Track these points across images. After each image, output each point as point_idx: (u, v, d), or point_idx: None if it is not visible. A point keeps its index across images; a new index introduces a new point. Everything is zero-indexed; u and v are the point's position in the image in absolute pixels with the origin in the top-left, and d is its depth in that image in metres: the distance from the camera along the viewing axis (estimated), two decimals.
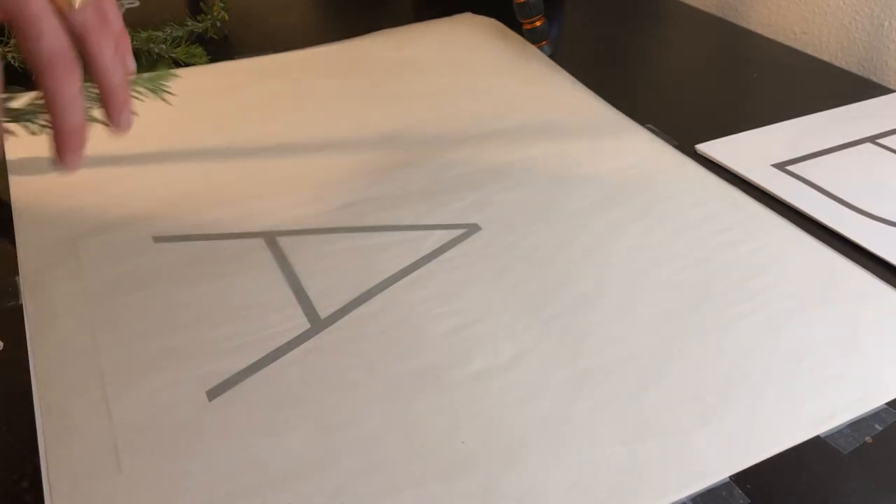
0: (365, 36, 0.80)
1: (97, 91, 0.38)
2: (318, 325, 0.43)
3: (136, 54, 0.74)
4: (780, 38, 0.87)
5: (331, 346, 0.42)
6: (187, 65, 0.73)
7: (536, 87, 0.70)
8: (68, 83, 0.34)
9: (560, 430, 0.37)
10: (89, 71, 0.37)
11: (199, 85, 0.70)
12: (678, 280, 0.47)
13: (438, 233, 0.50)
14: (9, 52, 0.70)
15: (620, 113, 0.66)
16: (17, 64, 0.70)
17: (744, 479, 0.36)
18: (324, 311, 0.44)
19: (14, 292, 0.45)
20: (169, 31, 0.76)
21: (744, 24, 0.91)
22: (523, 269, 0.48)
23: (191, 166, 0.57)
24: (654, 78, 0.75)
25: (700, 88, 0.72)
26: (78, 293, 0.45)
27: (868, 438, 0.38)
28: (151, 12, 0.84)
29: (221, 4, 0.79)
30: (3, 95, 0.40)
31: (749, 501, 0.35)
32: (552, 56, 0.77)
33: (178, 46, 0.73)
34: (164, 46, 0.73)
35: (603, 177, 0.57)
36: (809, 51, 0.84)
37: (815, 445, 0.37)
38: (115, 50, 0.37)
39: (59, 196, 0.53)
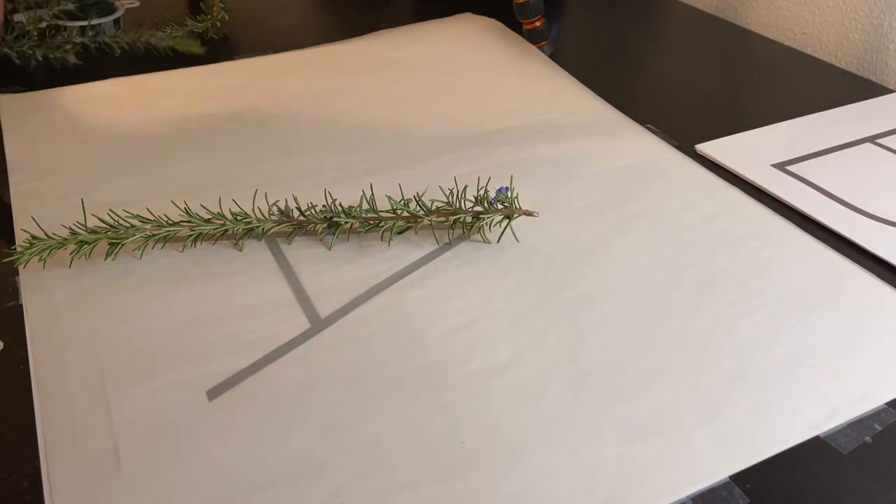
0: (365, 36, 0.80)
1: None
2: (318, 325, 0.43)
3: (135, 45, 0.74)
4: (780, 39, 0.87)
5: (331, 346, 0.42)
6: (183, 54, 0.73)
7: (536, 87, 0.70)
8: None
9: (560, 430, 0.37)
10: None
11: (200, 85, 0.70)
12: (678, 280, 0.47)
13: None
14: (5, 48, 0.70)
15: (620, 113, 0.66)
16: (17, 60, 0.70)
17: (744, 478, 0.36)
18: (324, 311, 0.44)
19: (14, 292, 0.45)
20: (169, 30, 0.76)
21: (744, 24, 0.91)
22: (523, 269, 0.48)
23: (190, 166, 0.57)
24: (654, 78, 0.75)
25: (700, 88, 0.72)
26: (78, 293, 0.45)
27: (868, 438, 0.38)
28: (152, 12, 0.84)
29: (221, 5, 0.79)
30: None
31: (749, 501, 0.35)
32: (552, 56, 0.77)
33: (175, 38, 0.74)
34: (160, 34, 0.74)
35: (603, 177, 0.57)
36: (809, 51, 0.84)
37: (815, 445, 0.37)
38: None
39: (59, 196, 0.53)
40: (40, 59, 0.71)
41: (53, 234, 0.46)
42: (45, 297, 0.44)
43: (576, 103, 0.68)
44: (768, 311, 0.45)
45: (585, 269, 0.48)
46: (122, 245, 0.46)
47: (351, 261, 0.48)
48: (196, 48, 0.74)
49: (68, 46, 0.71)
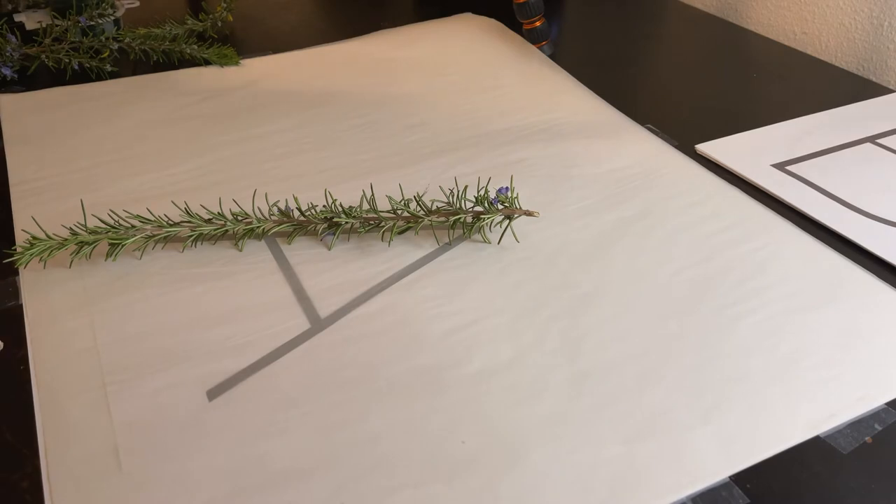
0: (365, 36, 0.80)
1: None
2: (318, 325, 0.43)
3: (168, 54, 0.74)
4: (780, 39, 0.87)
5: (331, 346, 0.42)
6: (208, 64, 0.73)
7: (536, 87, 0.70)
8: None
9: (560, 430, 0.37)
10: None
11: (200, 85, 0.70)
12: (678, 280, 0.47)
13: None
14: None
15: (620, 113, 0.66)
16: (53, 67, 0.70)
17: (744, 479, 0.36)
18: (324, 311, 0.44)
19: (14, 292, 0.45)
20: (168, 28, 0.76)
21: (744, 24, 0.91)
22: (523, 269, 0.48)
23: (190, 166, 0.57)
24: (654, 78, 0.75)
25: (700, 88, 0.72)
26: (78, 293, 0.45)
27: (868, 438, 0.38)
28: (152, 12, 0.84)
29: (224, 5, 0.79)
30: None
31: (749, 501, 0.35)
32: (552, 56, 0.77)
33: (211, 47, 0.73)
34: (195, 47, 0.73)
35: (603, 177, 0.57)
36: (809, 51, 0.84)
37: (814, 445, 0.37)
38: None
39: (59, 196, 0.53)
40: (76, 67, 0.70)
41: (53, 234, 0.46)
42: (45, 297, 0.44)
43: (576, 103, 0.68)
44: (768, 311, 0.45)
45: (585, 269, 0.48)
46: (123, 245, 0.46)
47: (351, 261, 0.48)
48: (233, 60, 0.73)
49: (105, 54, 0.71)
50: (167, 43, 0.73)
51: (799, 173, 0.58)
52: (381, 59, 0.75)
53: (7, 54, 0.69)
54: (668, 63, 0.79)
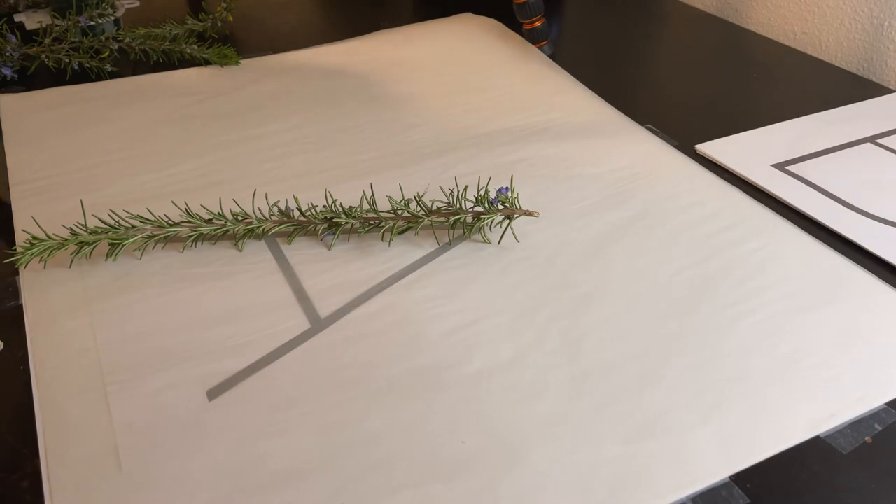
0: (365, 36, 0.80)
1: None
2: (318, 325, 0.43)
3: (168, 54, 0.74)
4: (780, 38, 0.87)
5: (331, 346, 0.42)
6: (208, 64, 0.73)
7: (536, 87, 0.70)
8: None
9: (560, 430, 0.37)
10: None
11: (200, 85, 0.70)
12: (678, 280, 0.47)
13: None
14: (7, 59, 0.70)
15: (620, 113, 0.66)
16: (53, 67, 0.70)
17: (744, 478, 0.36)
18: (324, 311, 0.44)
19: (14, 292, 0.45)
20: (168, 28, 0.76)
21: (744, 24, 0.91)
22: (523, 269, 0.48)
23: (190, 166, 0.57)
24: (654, 78, 0.75)
25: (700, 88, 0.72)
26: (78, 293, 0.45)
27: (868, 438, 0.38)
28: (152, 12, 0.84)
29: (224, 5, 0.79)
30: None
31: (749, 501, 0.35)
32: (552, 56, 0.77)
33: (211, 47, 0.73)
34: (195, 47, 0.73)
35: (603, 177, 0.57)
36: (809, 51, 0.84)
37: (814, 445, 0.37)
38: None
39: (59, 196, 0.53)
40: (76, 67, 0.70)
41: (54, 234, 0.46)
42: (45, 297, 0.44)
43: (576, 103, 0.68)
44: (768, 311, 0.45)
45: (585, 269, 0.48)
46: (123, 245, 0.46)
47: (351, 261, 0.48)
48: (233, 60, 0.73)
49: (105, 54, 0.71)
50: (167, 43, 0.73)
51: (799, 173, 0.58)
52: (381, 59, 0.75)
53: (7, 54, 0.69)
54: (668, 63, 0.79)
